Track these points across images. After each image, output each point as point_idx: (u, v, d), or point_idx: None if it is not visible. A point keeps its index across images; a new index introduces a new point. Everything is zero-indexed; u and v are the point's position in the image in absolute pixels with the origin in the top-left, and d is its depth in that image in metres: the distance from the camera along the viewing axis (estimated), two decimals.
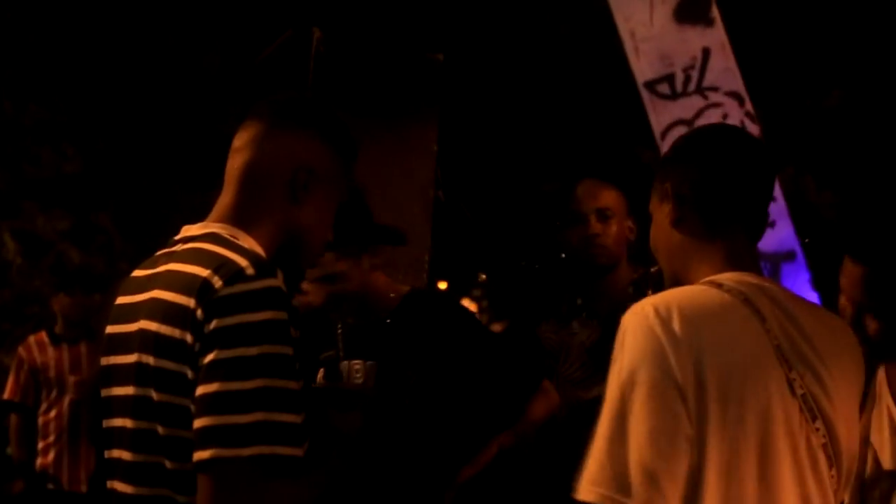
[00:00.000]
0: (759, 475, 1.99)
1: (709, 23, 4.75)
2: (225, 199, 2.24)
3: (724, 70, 4.72)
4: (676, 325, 1.98)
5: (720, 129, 2.51)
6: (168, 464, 2.05)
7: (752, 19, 5.83)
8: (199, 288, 2.03)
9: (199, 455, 1.93)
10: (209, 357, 1.97)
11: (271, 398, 1.96)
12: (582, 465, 1.98)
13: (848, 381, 2.18)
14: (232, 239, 2.15)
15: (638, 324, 2.00)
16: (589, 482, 1.93)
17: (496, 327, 8.57)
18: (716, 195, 2.19)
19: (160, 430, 2.05)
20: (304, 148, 2.25)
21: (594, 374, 3.13)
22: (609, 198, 3.45)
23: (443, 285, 8.81)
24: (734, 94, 4.69)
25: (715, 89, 4.69)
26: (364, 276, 2.64)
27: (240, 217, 2.21)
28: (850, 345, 2.24)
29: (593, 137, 7.70)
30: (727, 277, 2.12)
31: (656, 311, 1.99)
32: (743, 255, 2.19)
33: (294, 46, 3.35)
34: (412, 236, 3.28)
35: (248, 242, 2.16)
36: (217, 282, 2.01)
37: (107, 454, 2.20)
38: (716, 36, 4.74)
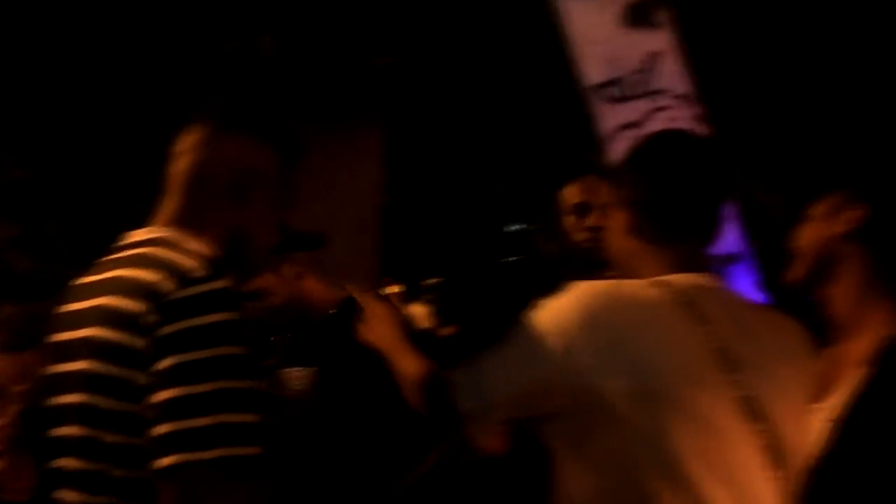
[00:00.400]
0: (683, 475, 2.00)
1: (657, 26, 4.77)
2: (169, 203, 2.24)
3: (673, 73, 4.74)
4: (601, 311, 2.08)
5: (675, 136, 2.54)
6: (116, 471, 2.04)
7: (700, 22, 5.86)
8: (148, 293, 2.03)
9: (162, 462, 1.93)
10: (164, 363, 1.97)
11: (229, 400, 1.96)
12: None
13: (798, 382, 2.20)
14: (178, 243, 2.16)
15: (570, 291, 2.12)
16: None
17: (446, 331, 8.56)
18: (670, 203, 2.24)
19: (108, 437, 2.04)
20: (247, 150, 2.26)
21: None
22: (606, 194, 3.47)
23: (393, 289, 8.79)
24: (683, 97, 4.71)
25: (663, 92, 4.70)
26: (291, 287, 2.63)
27: (185, 221, 2.22)
28: (801, 344, 2.25)
29: (542, 141, 7.71)
30: (673, 278, 2.18)
31: (582, 290, 2.11)
32: (694, 259, 2.24)
33: (242, 52, 3.32)
34: (359, 241, 3.27)
35: (194, 246, 2.16)
36: (167, 286, 2.02)
37: (50, 464, 2.17)
38: (664, 39, 4.76)
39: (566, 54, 4.83)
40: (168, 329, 1.99)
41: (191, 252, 2.13)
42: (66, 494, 2.12)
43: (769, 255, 4.73)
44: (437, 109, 7.82)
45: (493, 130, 8.15)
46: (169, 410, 1.96)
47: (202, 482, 1.93)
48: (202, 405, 1.95)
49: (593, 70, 4.77)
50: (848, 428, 2.29)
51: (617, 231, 2.31)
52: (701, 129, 4.64)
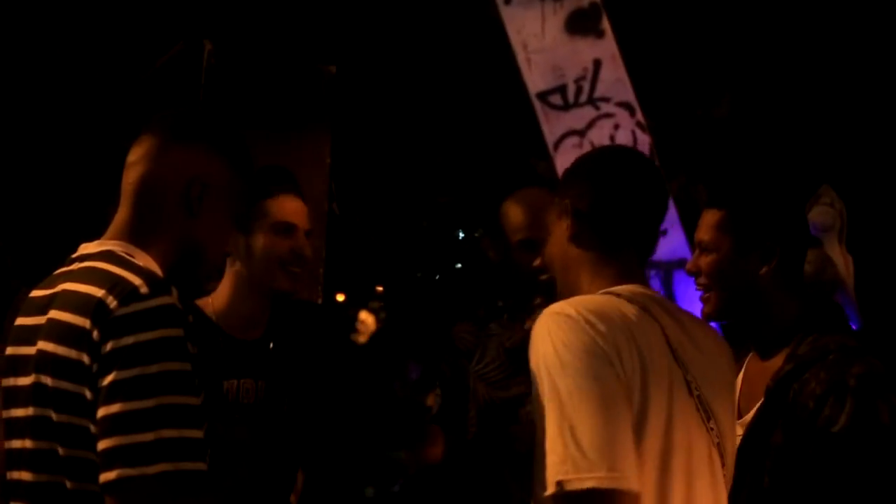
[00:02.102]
0: (678, 467, 2.07)
1: (599, 34, 4.80)
2: (121, 215, 2.24)
3: (615, 81, 4.77)
4: (599, 325, 2.06)
5: (619, 151, 2.63)
6: (69, 483, 2.04)
7: (642, 30, 5.91)
8: (93, 308, 2.03)
9: (106, 476, 1.94)
10: (108, 378, 1.97)
11: (172, 415, 1.96)
12: (536, 465, 2.04)
13: (727, 386, 2.32)
14: (127, 257, 2.15)
15: (563, 322, 2.07)
16: (555, 474, 1.97)
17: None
18: (611, 214, 2.28)
19: (60, 450, 2.05)
20: (197, 160, 2.25)
21: (513, 375, 3.12)
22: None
23: (340, 297, 8.78)
24: (625, 105, 4.74)
25: (606, 100, 4.73)
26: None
27: (135, 233, 2.22)
28: (726, 352, 2.36)
29: (488, 149, 7.73)
30: (622, 288, 2.21)
31: (578, 311, 2.08)
32: (634, 270, 2.29)
33: (185, 59, 3.31)
34: None
35: (143, 259, 2.16)
36: (112, 302, 2.02)
37: (7, 476, 2.18)
38: (607, 47, 4.79)
39: (511, 62, 4.86)
40: (111, 345, 2.00)
41: (138, 267, 2.12)
42: None
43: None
44: (383, 117, 7.84)
45: (439, 138, 8.18)
46: (112, 425, 1.96)
47: (146, 497, 1.94)
48: (145, 420, 1.95)
49: (537, 77, 4.80)
50: (742, 452, 2.42)
51: (558, 239, 2.34)
52: (643, 136, 4.68)
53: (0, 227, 4.22)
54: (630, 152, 2.52)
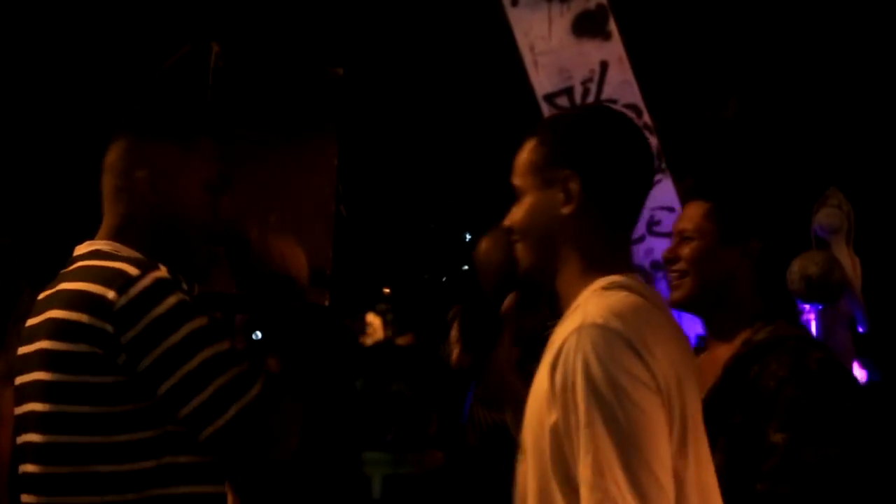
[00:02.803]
0: (700, 474, 2.02)
1: (606, 36, 4.80)
2: (105, 216, 2.40)
3: (622, 83, 4.78)
4: (646, 334, 1.94)
5: (619, 116, 2.34)
6: (70, 470, 2.20)
7: (649, 32, 5.91)
8: (90, 304, 2.18)
9: (199, 437, 2.18)
10: (146, 363, 2.16)
11: (216, 365, 2.18)
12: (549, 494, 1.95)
13: (696, 384, 2.19)
14: (113, 252, 2.30)
15: (606, 336, 1.91)
16: None
17: (401, 341, 8.55)
18: (625, 194, 2.11)
19: (62, 439, 2.20)
20: (147, 150, 2.37)
21: None
22: None
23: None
24: (632, 107, 4.74)
25: (613, 102, 4.74)
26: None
27: (116, 230, 2.36)
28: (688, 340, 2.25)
29: (495, 151, 7.73)
30: (625, 281, 2.06)
31: (623, 322, 1.93)
32: (628, 257, 2.15)
33: (192, 61, 3.32)
34: (313, 252, 3.27)
35: (127, 252, 2.31)
36: (110, 294, 2.16)
37: (20, 469, 2.32)
38: (614, 49, 4.80)
39: (518, 64, 4.86)
40: (131, 334, 2.15)
41: (124, 257, 2.26)
42: (27, 498, 2.27)
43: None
44: (391, 119, 7.84)
45: (446, 140, 8.18)
46: (175, 398, 2.16)
47: (234, 440, 2.18)
48: (196, 382, 2.16)
49: (544, 79, 4.81)
50: None
51: (545, 212, 2.11)
52: (651, 138, 4.68)
53: (7, 229, 4.23)
54: (624, 119, 2.27)
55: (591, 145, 2.11)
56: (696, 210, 2.80)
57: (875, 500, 2.59)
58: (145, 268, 2.21)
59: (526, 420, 2.06)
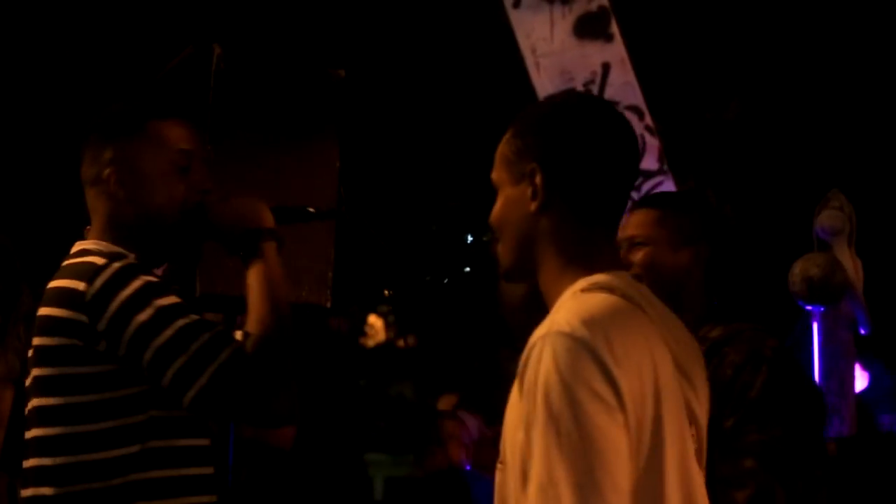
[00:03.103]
0: (683, 483, 1.96)
1: (608, 38, 4.81)
2: (91, 220, 2.54)
3: (624, 84, 4.78)
4: (615, 341, 1.85)
5: (587, 100, 2.26)
6: (67, 460, 2.31)
7: (651, 34, 5.90)
8: (68, 298, 2.31)
9: (184, 402, 2.26)
10: (122, 345, 2.27)
11: (190, 331, 2.27)
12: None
13: (705, 387, 2.12)
14: (93, 249, 2.44)
15: (570, 345, 1.83)
16: None
17: (403, 343, 8.56)
18: (590, 182, 2.01)
19: (52, 431, 2.33)
20: (106, 152, 2.49)
21: None
22: None
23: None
24: (634, 109, 4.75)
25: (615, 104, 4.72)
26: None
27: (101, 231, 2.49)
28: (695, 342, 2.17)
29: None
30: (612, 282, 1.98)
31: (590, 329, 1.84)
32: (612, 253, 2.07)
33: (194, 63, 3.31)
34: (315, 254, 3.27)
35: (108, 248, 2.45)
36: (81, 286, 2.30)
37: (24, 464, 2.42)
38: (615, 51, 4.80)
39: (520, 66, 4.86)
40: (104, 322, 2.27)
41: (98, 251, 2.40)
42: (25, 492, 2.37)
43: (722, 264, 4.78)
44: (392, 121, 7.84)
45: (449, 142, 8.17)
46: (155, 368, 2.26)
47: (216, 398, 2.26)
48: (173, 349, 2.25)
49: (546, 81, 4.81)
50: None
51: (517, 207, 2.03)
52: (653, 139, 4.68)
53: (9, 231, 4.23)
54: (598, 101, 2.25)
55: (557, 136, 2.02)
56: (645, 217, 2.94)
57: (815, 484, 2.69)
58: (111, 258, 2.33)
59: (504, 429, 2.00)
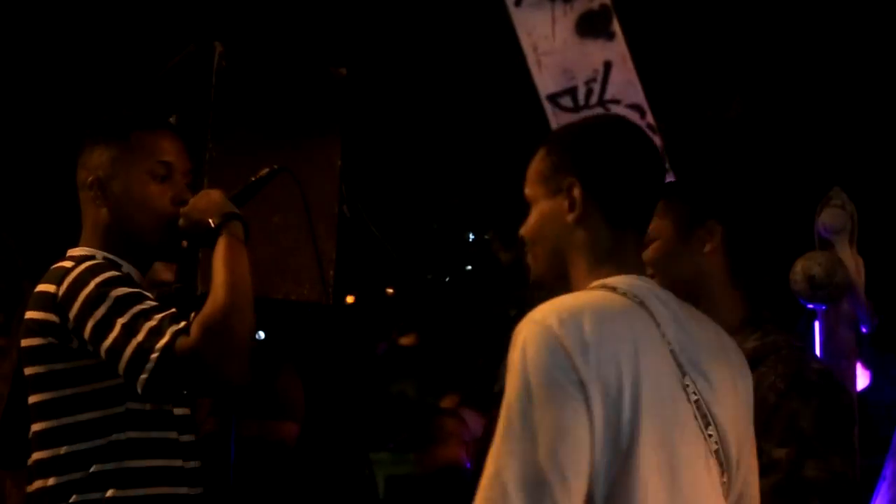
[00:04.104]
0: (671, 483, 1.97)
1: (610, 36, 4.80)
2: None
3: (626, 83, 4.77)
4: (587, 332, 1.91)
5: (621, 123, 2.39)
6: (63, 449, 2.47)
7: (653, 32, 5.90)
8: (46, 302, 2.47)
9: (139, 385, 2.35)
10: (88, 342, 2.41)
11: (142, 316, 2.38)
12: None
13: (735, 387, 2.14)
14: (74, 254, 2.59)
15: (538, 333, 1.92)
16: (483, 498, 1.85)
17: (405, 341, 8.58)
18: (625, 196, 2.14)
19: (43, 425, 2.49)
20: (85, 162, 2.65)
21: None
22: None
23: (349, 299, 8.79)
24: (635, 107, 4.74)
25: (616, 102, 4.73)
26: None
27: (87, 236, 2.65)
28: (733, 349, 2.23)
29: (498, 151, 7.73)
30: (619, 281, 2.08)
31: (560, 319, 1.92)
32: (636, 258, 2.18)
33: (196, 61, 3.32)
34: (316, 252, 3.27)
35: (84, 251, 2.60)
36: (52, 288, 2.47)
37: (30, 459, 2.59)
38: (617, 49, 4.79)
39: (521, 64, 4.85)
40: (72, 320, 2.41)
41: (73, 256, 2.55)
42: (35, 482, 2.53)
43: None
44: (394, 119, 7.83)
45: (450, 140, 8.17)
46: (113, 353, 2.37)
47: (138, 364, 2.34)
48: (127, 333, 2.35)
49: (548, 79, 4.80)
50: None
51: (554, 219, 2.16)
52: (654, 138, 4.68)
53: (11, 229, 4.24)
54: (630, 124, 2.34)
55: (592, 151, 2.16)
56: None
57: None
58: (80, 261, 2.49)
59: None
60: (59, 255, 2.71)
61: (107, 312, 2.39)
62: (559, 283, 2.18)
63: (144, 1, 6.49)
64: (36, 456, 2.51)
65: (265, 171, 2.87)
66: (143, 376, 2.32)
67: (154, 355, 2.32)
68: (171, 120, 3.23)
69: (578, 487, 1.86)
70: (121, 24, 6.51)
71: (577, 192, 2.13)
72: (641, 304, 2.05)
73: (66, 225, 2.80)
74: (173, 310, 2.46)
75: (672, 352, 2.04)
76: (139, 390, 2.35)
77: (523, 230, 2.22)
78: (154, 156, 2.63)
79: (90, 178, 2.61)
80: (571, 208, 2.13)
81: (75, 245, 2.73)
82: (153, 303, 2.45)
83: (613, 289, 2.05)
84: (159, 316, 2.39)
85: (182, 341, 2.34)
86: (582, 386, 1.88)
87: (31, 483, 2.52)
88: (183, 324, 2.38)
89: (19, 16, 6.39)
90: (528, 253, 2.23)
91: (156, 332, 2.35)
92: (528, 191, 2.23)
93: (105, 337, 2.37)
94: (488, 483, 1.85)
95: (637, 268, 2.15)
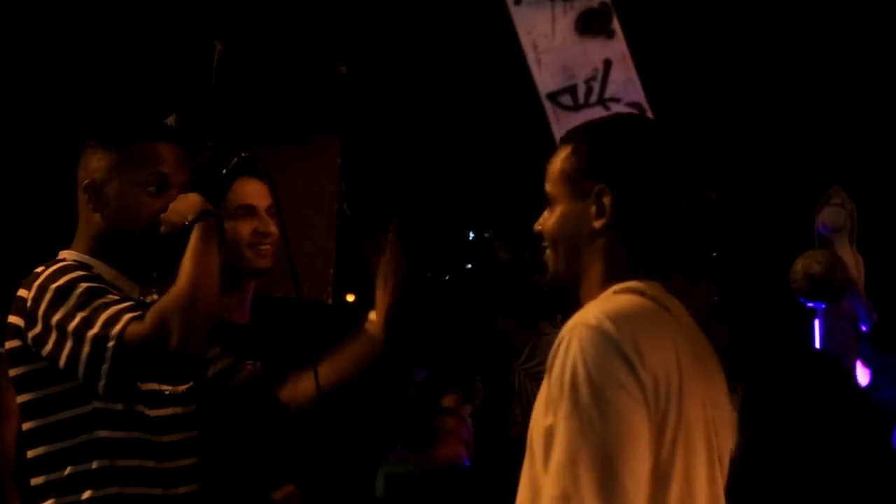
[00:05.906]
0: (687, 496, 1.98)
1: (610, 35, 4.80)
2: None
3: (626, 81, 4.77)
4: (640, 338, 1.91)
5: (654, 126, 2.28)
6: (42, 450, 2.51)
7: (652, 31, 5.90)
8: (17, 305, 2.51)
9: (102, 375, 2.36)
10: (46, 336, 2.42)
11: (99, 309, 2.39)
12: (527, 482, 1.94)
13: (723, 389, 2.14)
14: (59, 258, 2.59)
15: (596, 338, 1.90)
16: None
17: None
18: (659, 202, 2.09)
19: (27, 425, 2.53)
20: (84, 164, 2.64)
21: None
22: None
23: (350, 298, 8.80)
24: (635, 105, 4.74)
25: (616, 100, 4.74)
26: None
27: (77, 240, 2.65)
28: (717, 359, 2.19)
29: (498, 149, 7.73)
30: (640, 286, 2.05)
31: (616, 324, 1.91)
32: (656, 265, 2.10)
33: (195, 59, 3.32)
34: (316, 250, 3.27)
35: (75, 257, 2.60)
36: (24, 293, 2.49)
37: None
38: (617, 47, 4.79)
39: (522, 62, 4.85)
40: (39, 320, 2.43)
41: (46, 262, 2.56)
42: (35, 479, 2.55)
43: (723, 262, 4.79)
44: (393, 117, 7.83)
45: (449, 138, 8.17)
46: (73, 351, 2.38)
47: (133, 354, 2.35)
48: (87, 323, 2.37)
49: (548, 78, 4.80)
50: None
51: (579, 223, 2.10)
52: None
53: (10, 228, 4.23)
54: (661, 128, 2.21)
55: (626, 159, 2.09)
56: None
57: None
58: (50, 263, 2.52)
59: (532, 419, 2.04)
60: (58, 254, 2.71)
61: (66, 312, 2.42)
62: (572, 283, 2.14)
63: (144, 0, 6.49)
64: (28, 455, 2.56)
65: (234, 160, 2.85)
66: (105, 366, 2.35)
67: (111, 343, 2.35)
68: (171, 118, 3.23)
69: (645, 491, 1.87)
70: (121, 22, 6.51)
71: (607, 199, 2.07)
72: (667, 309, 2.04)
73: (66, 225, 2.80)
74: (131, 302, 2.48)
75: (693, 356, 2.04)
76: (102, 381, 2.37)
77: (543, 227, 2.17)
78: (150, 167, 2.60)
79: (86, 181, 2.63)
80: (600, 215, 2.08)
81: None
82: (115, 297, 2.47)
83: (640, 293, 2.03)
84: (117, 308, 2.41)
85: (134, 326, 2.36)
86: (642, 389, 1.88)
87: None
88: (139, 312, 2.41)
89: (20, 15, 6.39)
90: (548, 250, 2.17)
91: (112, 322, 2.37)
92: (549, 188, 2.16)
93: (62, 343, 2.41)
94: (561, 473, 1.84)
95: (657, 274, 2.10)
